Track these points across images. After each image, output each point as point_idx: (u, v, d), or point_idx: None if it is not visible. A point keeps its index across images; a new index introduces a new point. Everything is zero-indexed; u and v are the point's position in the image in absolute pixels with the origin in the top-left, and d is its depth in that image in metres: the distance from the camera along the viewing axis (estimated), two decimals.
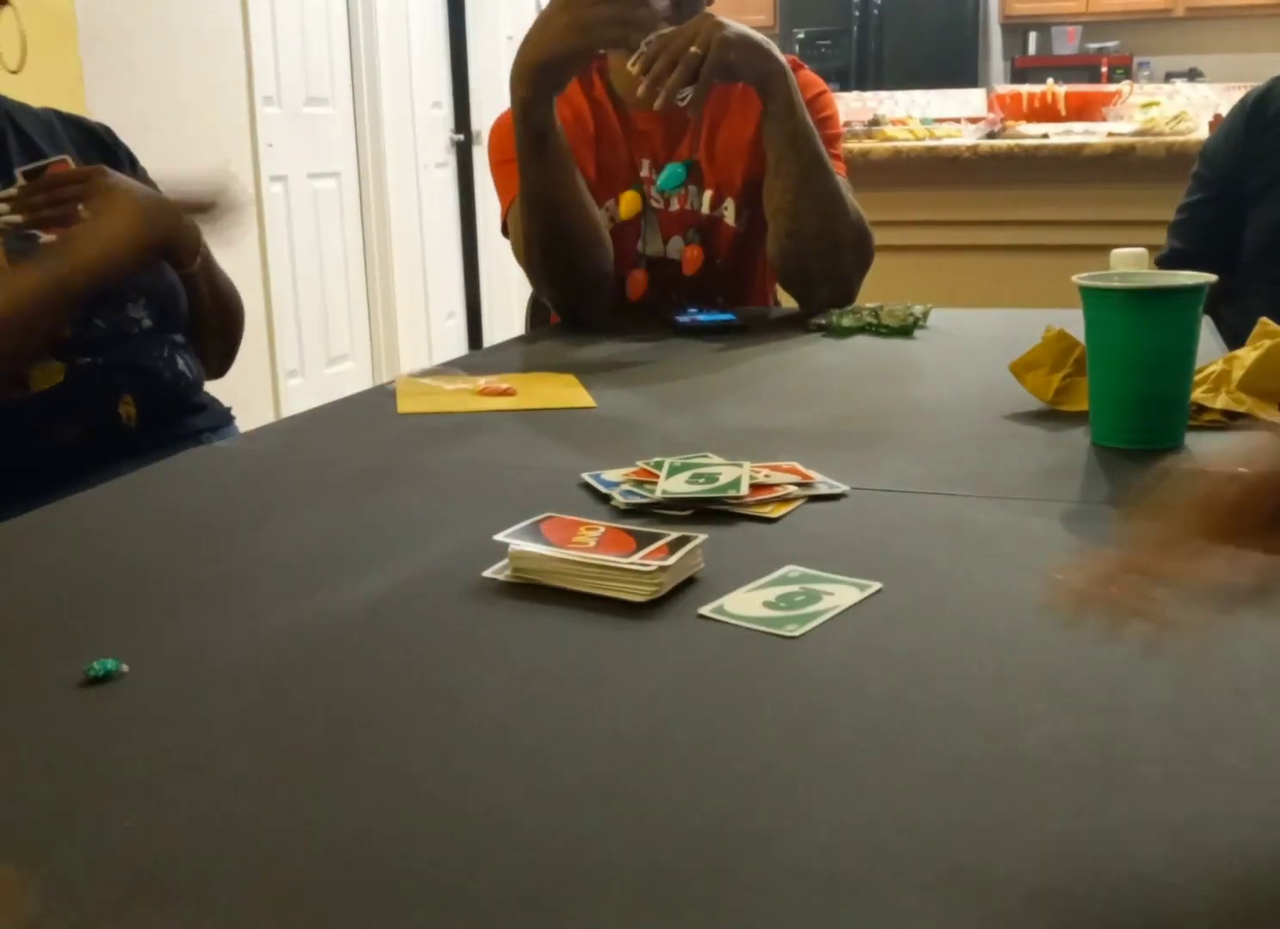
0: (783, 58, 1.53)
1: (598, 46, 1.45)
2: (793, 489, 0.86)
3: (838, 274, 1.60)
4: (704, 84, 1.49)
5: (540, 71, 1.43)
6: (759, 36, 1.51)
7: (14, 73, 1.31)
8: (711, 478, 0.86)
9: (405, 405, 1.17)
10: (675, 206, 1.69)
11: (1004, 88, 4.73)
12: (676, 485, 0.85)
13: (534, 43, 1.43)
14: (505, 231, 1.69)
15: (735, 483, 0.85)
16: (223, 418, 1.42)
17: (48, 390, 1.24)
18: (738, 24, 1.49)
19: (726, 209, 1.69)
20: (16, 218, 1.26)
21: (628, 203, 1.64)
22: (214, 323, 1.47)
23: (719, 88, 1.67)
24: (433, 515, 0.85)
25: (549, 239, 1.53)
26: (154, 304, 1.34)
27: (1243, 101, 2.00)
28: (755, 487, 0.85)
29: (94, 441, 1.26)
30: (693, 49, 1.43)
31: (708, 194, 1.68)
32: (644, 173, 1.68)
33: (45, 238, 1.27)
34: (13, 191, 1.28)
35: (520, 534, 0.73)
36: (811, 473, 0.89)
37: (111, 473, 1.16)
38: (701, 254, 1.67)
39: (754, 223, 1.67)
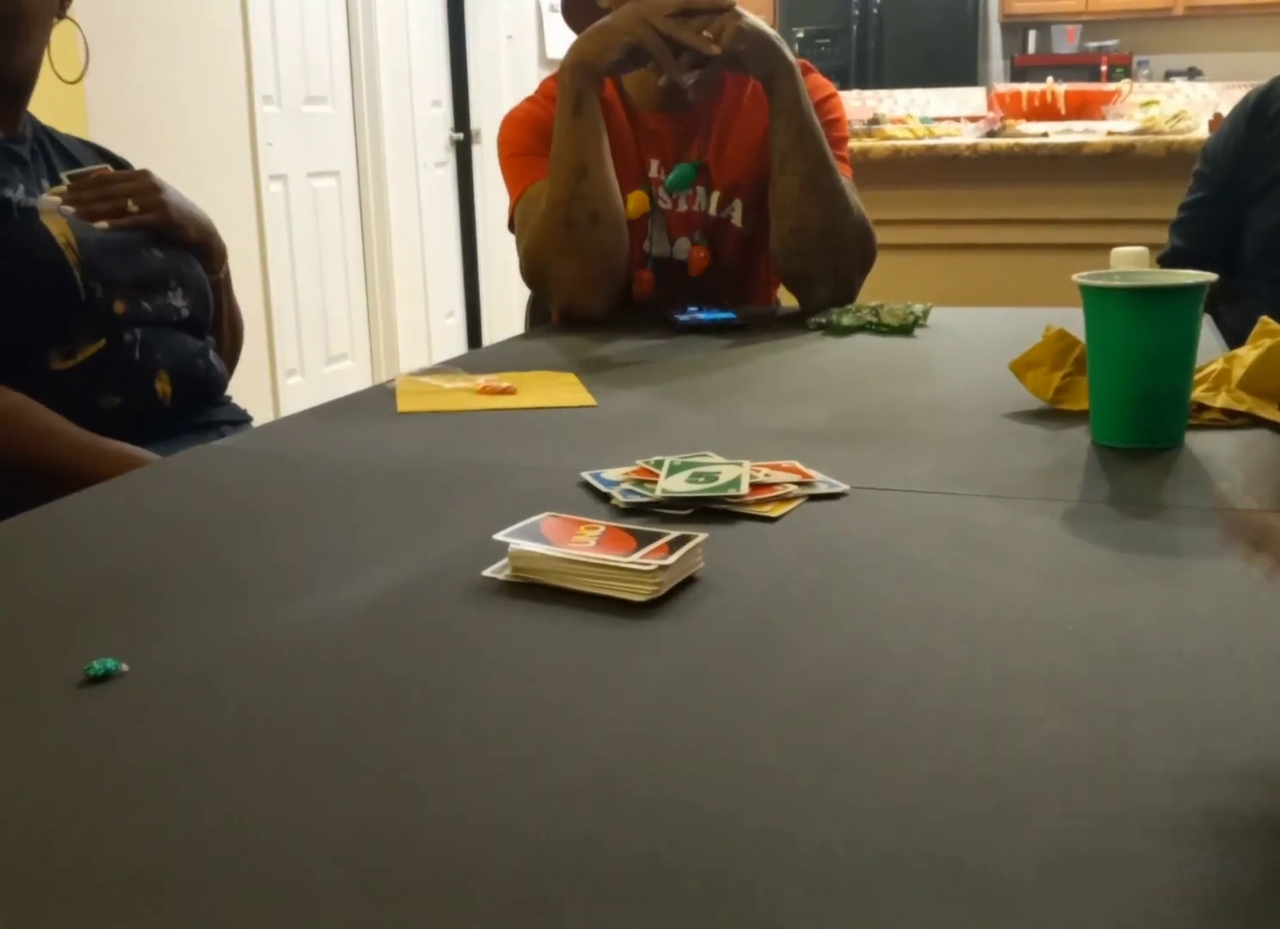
0: (792, 56, 1.55)
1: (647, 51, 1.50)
2: (793, 488, 0.86)
3: (839, 273, 1.60)
4: (712, 70, 1.52)
5: (612, 51, 1.49)
6: (772, 33, 1.53)
7: (72, 83, 1.40)
8: (711, 477, 0.86)
9: (405, 404, 1.17)
10: (683, 207, 1.69)
11: (1003, 86, 4.73)
12: (676, 484, 0.85)
13: (620, 24, 1.49)
14: (512, 226, 1.69)
15: (735, 482, 0.85)
16: (242, 416, 1.47)
17: (90, 358, 1.29)
18: (755, 18, 1.51)
19: (734, 210, 1.70)
20: (70, 209, 1.33)
21: (634, 202, 1.64)
22: (226, 339, 1.55)
23: (731, 90, 1.68)
24: (433, 515, 0.85)
25: (572, 204, 1.53)
26: (191, 293, 1.42)
27: (1244, 100, 2.00)
28: (755, 486, 0.85)
29: (133, 413, 1.32)
30: (705, 33, 1.46)
31: (715, 195, 1.69)
32: (653, 173, 1.68)
33: (98, 224, 1.33)
34: (63, 188, 1.35)
35: (520, 533, 0.73)
36: (811, 472, 0.89)
37: (147, 445, 1.27)
38: (708, 255, 1.67)
39: (760, 224, 1.68)
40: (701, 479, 0.86)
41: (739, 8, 1.49)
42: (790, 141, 1.55)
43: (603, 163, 1.54)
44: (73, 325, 1.28)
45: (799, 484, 0.87)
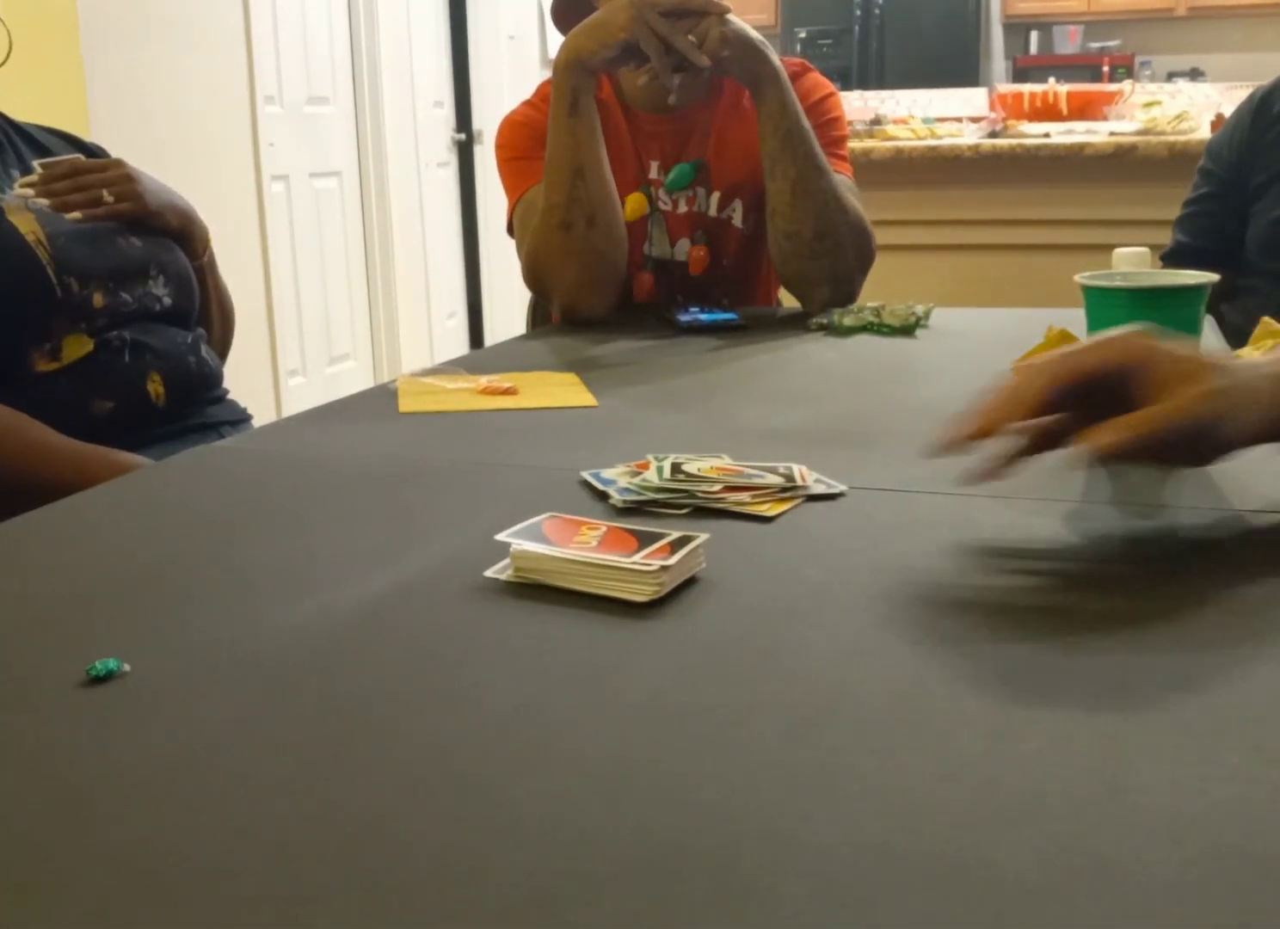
0: (778, 61, 1.54)
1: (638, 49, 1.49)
2: (776, 481, 0.86)
3: (838, 274, 1.60)
4: (694, 74, 1.52)
5: (603, 47, 1.48)
6: (757, 38, 1.52)
7: None
8: (689, 475, 0.87)
9: (406, 405, 1.17)
10: (683, 208, 1.69)
11: (1005, 87, 4.72)
12: (657, 478, 0.85)
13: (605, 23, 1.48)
14: (510, 230, 1.69)
15: (704, 479, 0.85)
16: (241, 414, 1.46)
17: (79, 361, 1.27)
18: (741, 23, 1.50)
19: (734, 211, 1.70)
20: (44, 201, 1.31)
21: (632, 204, 1.64)
22: (215, 324, 1.53)
23: (729, 91, 1.68)
24: (434, 515, 0.85)
25: (569, 207, 1.53)
26: (172, 282, 1.39)
27: (1250, 97, 2.00)
28: (732, 487, 0.85)
29: (127, 416, 1.30)
30: (689, 37, 1.45)
31: (716, 196, 1.69)
32: (653, 174, 1.68)
33: (71, 215, 1.31)
34: (35, 178, 1.32)
35: (522, 534, 0.73)
36: (806, 472, 0.89)
37: (144, 450, 1.24)
38: (708, 254, 1.67)
39: (760, 225, 1.68)
40: (680, 475, 0.86)
41: (729, 14, 1.48)
42: (778, 147, 1.55)
43: (599, 163, 1.54)
44: (52, 323, 1.26)
45: (787, 490, 0.86)
